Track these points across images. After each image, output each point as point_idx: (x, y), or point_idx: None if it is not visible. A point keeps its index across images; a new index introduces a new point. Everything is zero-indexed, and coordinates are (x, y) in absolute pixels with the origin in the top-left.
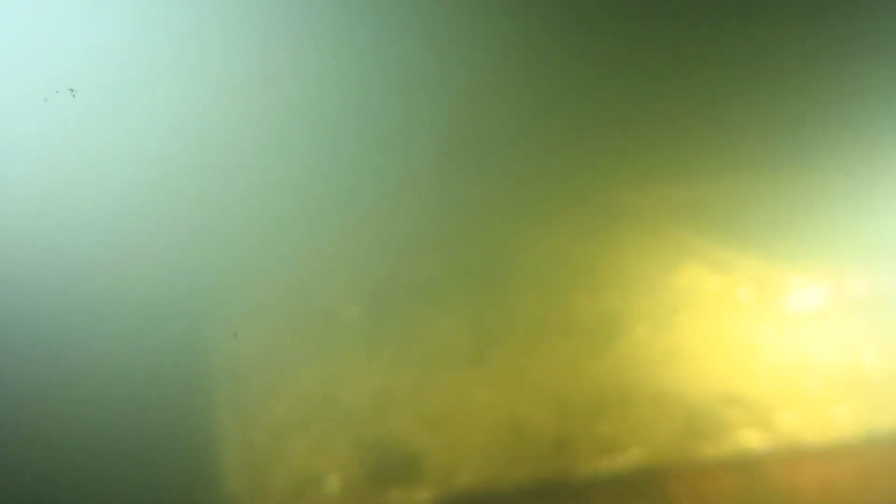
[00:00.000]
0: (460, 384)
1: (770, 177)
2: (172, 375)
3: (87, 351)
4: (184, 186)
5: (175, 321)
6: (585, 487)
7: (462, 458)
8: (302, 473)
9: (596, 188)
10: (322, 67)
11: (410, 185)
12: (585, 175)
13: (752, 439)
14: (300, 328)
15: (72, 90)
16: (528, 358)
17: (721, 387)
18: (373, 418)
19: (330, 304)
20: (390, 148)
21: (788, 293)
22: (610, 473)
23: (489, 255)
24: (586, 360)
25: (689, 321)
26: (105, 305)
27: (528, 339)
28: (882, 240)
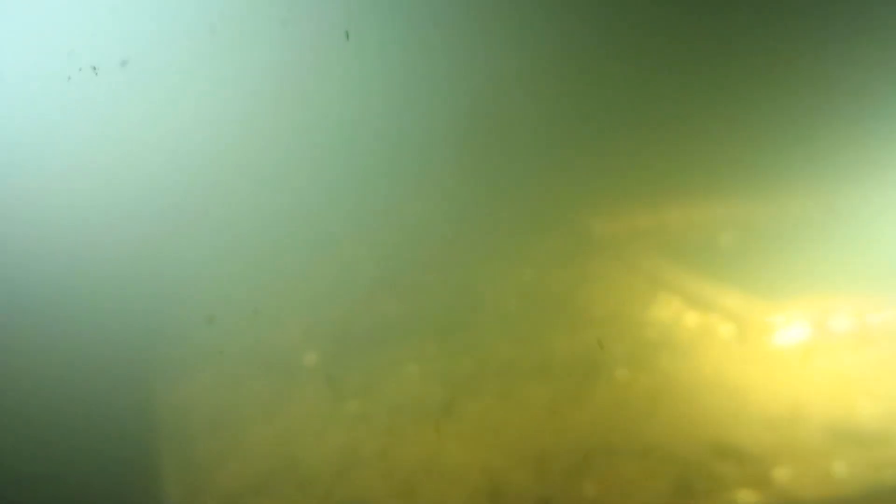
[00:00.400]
0: (432, 441)
1: (748, 203)
2: (113, 431)
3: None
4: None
5: (117, 373)
6: None
7: None
8: None
9: (565, 215)
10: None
11: (371, 220)
12: (553, 201)
13: (748, 499)
14: (254, 379)
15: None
16: (503, 407)
17: (711, 437)
18: (337, 484)
19: (287, 351)
20: (350, 185)
21: (773, 330)
22: None
23: (455, 292)
24: (566, 407)
25: (672, 362)
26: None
27: (502, 385)
28: (871, 270)
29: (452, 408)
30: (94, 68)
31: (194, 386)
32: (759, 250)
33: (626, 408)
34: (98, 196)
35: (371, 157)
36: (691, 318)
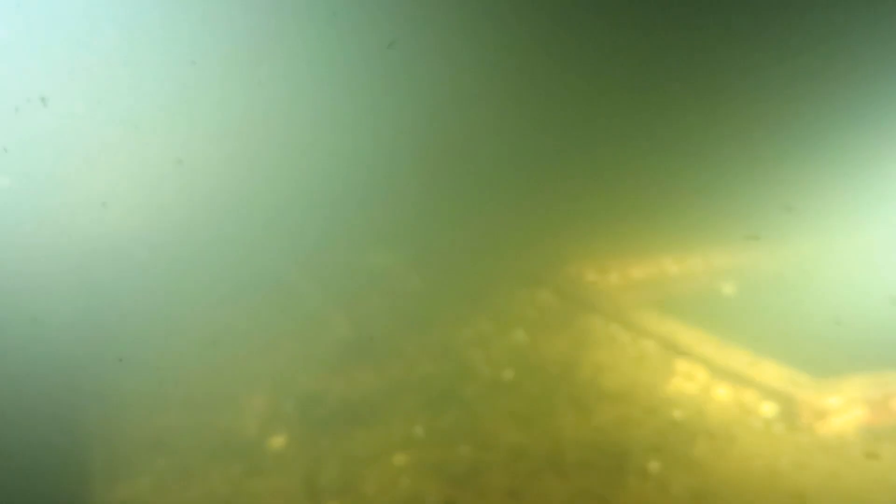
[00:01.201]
0: None
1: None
2: None
3: None
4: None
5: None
6: None
7: None
8: None
9: (557, 267)
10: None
11: (339, 275)
12: (543, 252)
13: None
14: (208, 471)
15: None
16: None
17: None
18: None
19: (249, 433)
20: (313, 236)
21: (828, 413)
22: None
23: (442, 364)
24: None
25: (711, 454)
26: None
27: (510, 480)
28: None
29: None
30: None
31: (137, 485)
32: (801, 310)
33: None
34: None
35: (339, 206)
36: (719, 394)
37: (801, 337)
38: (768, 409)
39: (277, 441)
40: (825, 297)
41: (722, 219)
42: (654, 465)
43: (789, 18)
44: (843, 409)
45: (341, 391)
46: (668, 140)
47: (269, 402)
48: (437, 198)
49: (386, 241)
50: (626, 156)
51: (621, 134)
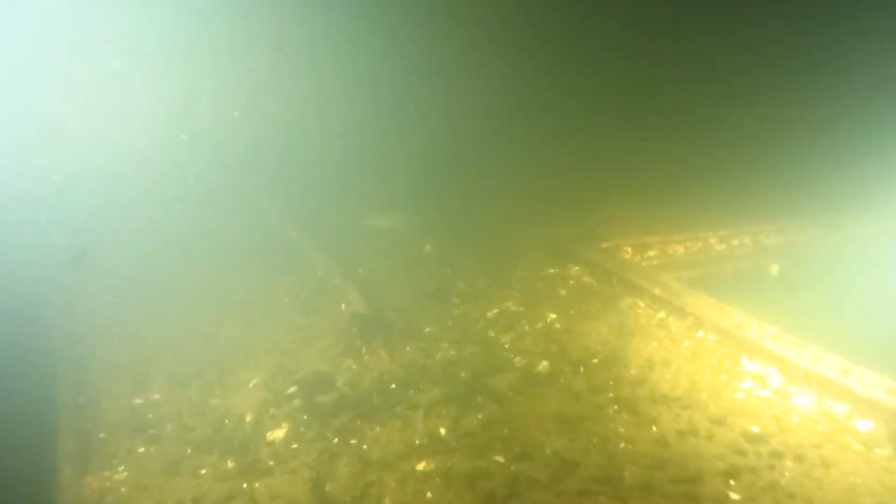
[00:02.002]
0: None
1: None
2: None
3: None
4: None
5: None
6: None
7: None
8: None
9: (585, 242)
10: None
11: (352, 255)
12: (571, 226)
13: None
14: (200, 468)
15: None
16: None
17: None
18: None
19: (244, 421)
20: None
21: None
22: None
23: (465, 348)
24: None
25: (804, 483)
26: None
27: (561, 500)
28: None
29: None
30: None
31: (112, 477)
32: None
33: None
34: None
35: (356, 173)
36: (809, 406)
37: (875, 333)
38: (866, 426)
39: (277, 434)
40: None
41: (772, 196)
42: (734, 497)
43: None
44: None
45: (351, 376)
46: (719, 112)
47: (267, 385)
48: (459, 161)
49: (401, 205)
50: (674, 125)
51: (669, 103)
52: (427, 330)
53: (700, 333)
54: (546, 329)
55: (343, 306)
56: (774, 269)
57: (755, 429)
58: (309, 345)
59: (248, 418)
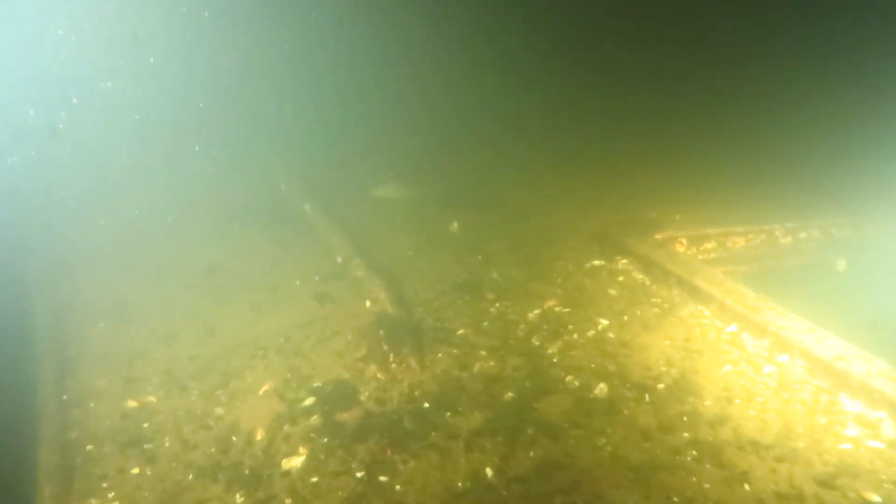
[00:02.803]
0: None
1: None
2: None
3: None
4: None
5: None
6: None
7: None
8: None
9: (636, 233)
10: None
11: (370, 236)
12: (620, 215)
13: None
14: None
15: None
16: None
17: None
18: None
19: (253, 440)
20: None
21: None
22: None
23: (505, 361)
24: None
25: None
26: None
27: None
28: None
29: None
30: None
31: None
32: None
33: None
34: None
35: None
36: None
37: None
38: None
39: (294, 462)
40: None
41: (847, 187)
42: None
43: None
44: None
45: (377, 388)
46: (785, 94)
47: (280, 393)
48: (482, 126)
49: (419, 174)
50: (739, 100)
51: (731, 85)
52: (460, 332)
53: (784, 358)
54: (598, 339)
55: (368, 303)
56: (842, 264)
57: (876, 498)
58: (325, 344)
59: (259, 436)
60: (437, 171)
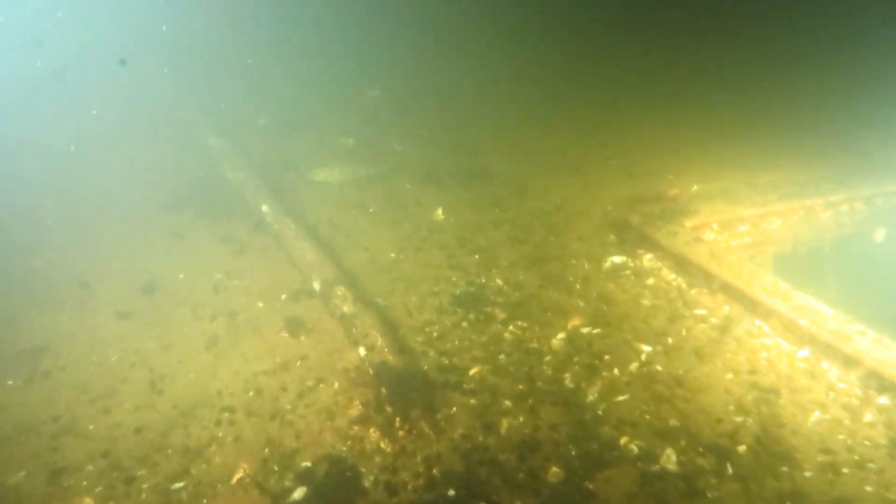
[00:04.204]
0: None
1: None
2: None
3: None
4: None
5: None
6: None
7: None
8: None
9: (658, 218)
10: None
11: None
12: (640, 193)
13: None
14: None
15: None
16: None
17: None
18: None
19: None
20: None
21: None
22: None
23: (517, 368)
24: None
25: None
26: None
27: None
28: None
29: None
30: None
31: None
32: None
33: None
34: None
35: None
36: None
37: None
38: None
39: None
40: None
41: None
42: None
43: None
44: None
45: (384, 468)
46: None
47: (258, 481)
48: (463, 81)
49: (390, 142)
50: (769, 59)
51: (768, 49)
52: (473, 372)
53: (884, 400)
54: (645, 376)
55: (362, 351)
56: (880, 234)
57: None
58: (308, 398)
59: None
60: (403, 134)
